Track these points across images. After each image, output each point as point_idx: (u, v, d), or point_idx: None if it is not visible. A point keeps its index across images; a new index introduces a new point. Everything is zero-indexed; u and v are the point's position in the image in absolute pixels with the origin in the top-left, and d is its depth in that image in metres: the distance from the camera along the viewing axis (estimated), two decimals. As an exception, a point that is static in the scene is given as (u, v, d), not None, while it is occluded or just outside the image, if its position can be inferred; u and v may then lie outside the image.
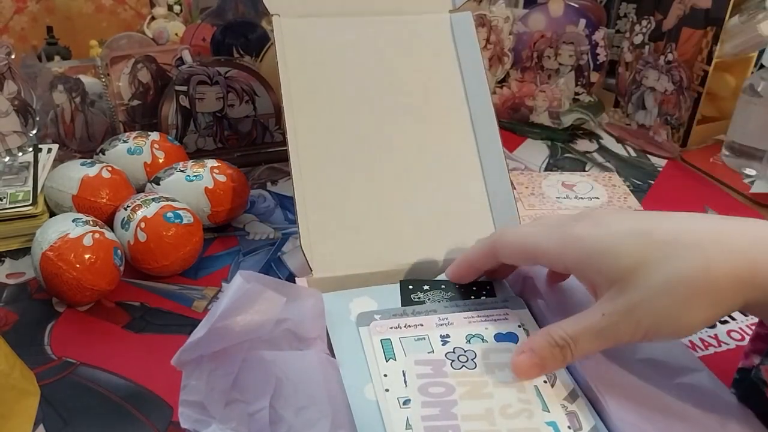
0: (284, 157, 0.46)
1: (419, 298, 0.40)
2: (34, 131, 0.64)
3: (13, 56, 0.63)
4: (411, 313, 0.39)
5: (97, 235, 0.47)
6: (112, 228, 0.51)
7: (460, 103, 0.51)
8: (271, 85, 0.69)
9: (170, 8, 0.91)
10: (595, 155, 0.75)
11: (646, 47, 0.74)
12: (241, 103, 0.68)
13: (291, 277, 0.52)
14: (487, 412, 0.33)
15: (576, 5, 0.77)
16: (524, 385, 0.34)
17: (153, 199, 0.51)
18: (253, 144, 0.70)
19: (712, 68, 0.68)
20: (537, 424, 0.32)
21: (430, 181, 0.48)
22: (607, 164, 0.72)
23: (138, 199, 0.52)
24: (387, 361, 0.35)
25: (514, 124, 0.80)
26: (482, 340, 0.37)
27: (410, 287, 0.41)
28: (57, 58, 0.82)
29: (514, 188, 0.51)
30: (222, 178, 0.55)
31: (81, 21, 0.89)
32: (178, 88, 0.66)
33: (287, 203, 0.62)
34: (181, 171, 0.56)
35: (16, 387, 0.38)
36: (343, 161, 0.47)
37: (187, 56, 0.69)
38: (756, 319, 0.35)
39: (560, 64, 0.79)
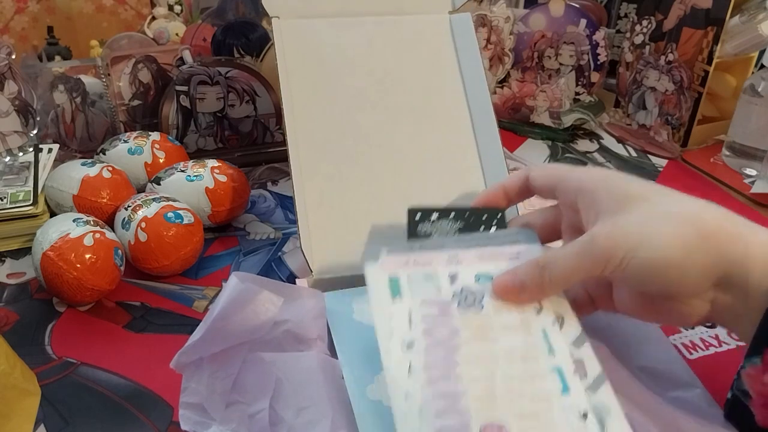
0: (285, 157, 0.46)
1: (426, 230, 0.38)
2: (35, 131, 0.64)
3: (13, 56, 0.63)
4: (418, 248, 0.36)
5: (97, 235, 0.47)
6: (112, 228, 0.51)
7: (460, 104, 0.51)
8: (271, 85, 0.69)
9: (171, 8, 0.91)
10: (596, 155, 0.75)
11: (647, 47, 0.74)
12: (241, 103, 0.68)
13: (292, 277, 0.52)
14: (492, 357, 0.31)
15: (576, 5, 0.77)
16: (531, 327, 0.32)
17: (153, 199, 0.51)
18: (254, 144, 0.70)
19: (712, 68, 0.68)
20: (542, 369, 0.31)
21: (431, 181, 0.48)
22: (608, 164, 0.72)
23: (138, 199, 0.52)
24: (393, 299, 0.33)
25: (515, 124, 0.80)
26: (491, 279, 0.34)
27: (417, 217, 0.39)
28: (58, 58, 0.82)
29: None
30: (222, 178, 0.55)
31: (81, 21, 0.89)
32: (178, 88, 0.66)
33: (288, 203, 0.62)
34: (182, 171, 0.56)
35: (17, 387, 0.38)
36: (343, 161, 0.47)
37: (187, 56, 0.69)
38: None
39: (561, 64, 0.79)
